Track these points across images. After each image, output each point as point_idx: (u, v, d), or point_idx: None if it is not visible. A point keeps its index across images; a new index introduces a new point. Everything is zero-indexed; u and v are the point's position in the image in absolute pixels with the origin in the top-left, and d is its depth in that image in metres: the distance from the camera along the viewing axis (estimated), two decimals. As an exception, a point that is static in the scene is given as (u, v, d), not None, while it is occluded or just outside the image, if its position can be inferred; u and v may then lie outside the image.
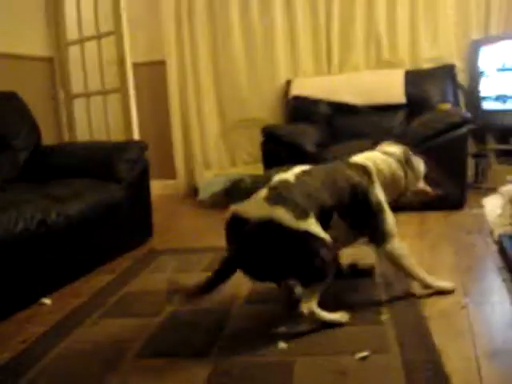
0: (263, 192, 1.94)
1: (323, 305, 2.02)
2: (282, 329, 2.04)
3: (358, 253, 2.64)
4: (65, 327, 2.26)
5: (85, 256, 2.99)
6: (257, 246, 1.91)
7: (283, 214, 1.88)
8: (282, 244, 1.89)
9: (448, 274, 2.53)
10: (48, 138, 4.24)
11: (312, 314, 1.98)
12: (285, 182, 2.00)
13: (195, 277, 2.72)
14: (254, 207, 1.93)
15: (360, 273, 2.56)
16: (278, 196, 1.93)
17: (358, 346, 1.86)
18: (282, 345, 1.92)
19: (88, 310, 2.43)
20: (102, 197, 3.12)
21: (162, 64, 5.33)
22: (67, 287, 2.81)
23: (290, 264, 1.93)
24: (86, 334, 2.17)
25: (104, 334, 2.16)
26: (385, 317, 2.08)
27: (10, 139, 3.61)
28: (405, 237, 3.16)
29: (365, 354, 1.80)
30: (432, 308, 2.16)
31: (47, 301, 2.62)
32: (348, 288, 2.42)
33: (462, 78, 4.63)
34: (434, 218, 3.66)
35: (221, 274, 1.97)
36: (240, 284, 2.51)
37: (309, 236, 1.91)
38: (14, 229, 2.47)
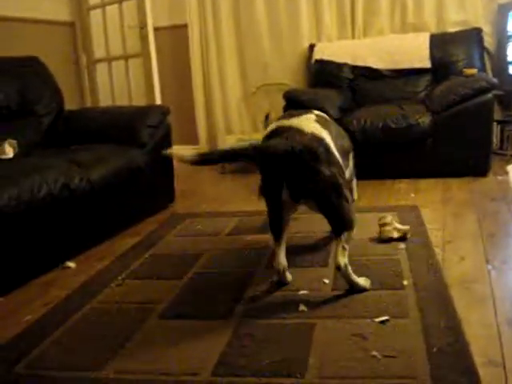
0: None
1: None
2: (304, 292, 2.06)
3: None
4: (89, 289, 2.30)
5: (108, 220, 3.04)
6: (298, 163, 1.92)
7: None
8: (320, 173, 1.92)
9: (471, 241, 2.51)
10: (70, 103, 4.25)
11: (346, 267, 1.99)
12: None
13: (221, 240, 2.78)
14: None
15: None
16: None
17: (379, 310, 1.87)
18: (303, 308, 1.94)
19: (112, 273, 2.47)
20: (124, 162, 3.14)
21: (183, 28, 5.29)
22: (91, 251, 2.85)
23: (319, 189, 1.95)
24: (110, 296, 2.21)
25: (128, 296, 2.20)
26: (406, 282, 2.09)
27: (33, 104, 3.63)
28: (428, 203, 3.16)
29: (385, 318, 1.81)
30: (454, 274, 2.16)
31: (71, 264, 2.67)
32: (369, 252, 2.43)
33: (488, 42, 4.51)
34: (457, 184, 3.62)
35: (233, 155, 2.00)
36: (263, 249, 2.53)
37: (342, 182, 1.99)
38: (37, 193, 2.50)
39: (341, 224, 2.01)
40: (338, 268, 2.00)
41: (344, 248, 1.99)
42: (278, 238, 2.14)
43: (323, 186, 1.94)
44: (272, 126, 2.11)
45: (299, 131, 1.98)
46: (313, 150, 1.92)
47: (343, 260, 1.98)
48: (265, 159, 1.97)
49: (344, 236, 2.00)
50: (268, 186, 2.03)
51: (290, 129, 2.00)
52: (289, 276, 2.18)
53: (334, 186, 1.95)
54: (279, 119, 2.17)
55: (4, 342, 1.88)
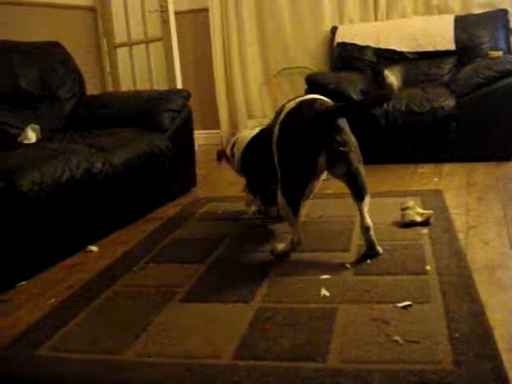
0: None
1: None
2: (325, 277, 2.06)
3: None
4: (112, 273, 2.32)
5: (130, 204, 3.06)
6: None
7: None
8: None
9: (495, 226, 2.48)
10: (92, 88, 4.28)
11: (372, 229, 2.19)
12: None
13: (242, 225, 2.79)
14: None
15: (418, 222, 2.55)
16: None
17: (401, 295, 1.86)
18: (325, 292, 1.93)
19: (135, 257, 2.49)
20: (145, 146, 3.15)
21: (204, 12, 5.27)
22: (114, 235, 2.88)
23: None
24: (133, 279, 2.23)
25: (151, 279, 2.21)
26: (429, 267, 2.07)
27: (55, 90, 3.66)
28: (451, 188, 3.13)
29: (407, 303, 1.79)
30: (477, 260, 2.14)
31: (94, 248, 2.69)
32: (392, 237, 2.41)
33: (515, 23, 4.42)
34: (481, 169, 3.57)
35: None
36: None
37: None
38: (60, 178, 2.52)
39: (363, 187, 2.17)
40: (367, 229, 2.18)
41: (367, 211, 2.18)
42: (298, 211, 2.21)
43: (354, 149, 2.12)
44: (291, 104, 2.21)
45: (324, 101, 2.17)
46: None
47: (371, 222, 2.17)
48: (311, 123, 2.08)
49: (366, 199, 2.18)
50: (304, 154, 2.10)
51: (315, 100, 2.16)
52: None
53: (358, 151, 2.16)
54: (289, 102, 2.27)
55: (28, 325, 1.91)
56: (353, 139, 2.14)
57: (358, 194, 2.17)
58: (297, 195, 2.19)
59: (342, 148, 2.08)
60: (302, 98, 2.22)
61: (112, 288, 2.15)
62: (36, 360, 1.66)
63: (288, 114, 2.19)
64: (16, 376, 1.60)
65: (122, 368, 1.57)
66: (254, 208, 2.90)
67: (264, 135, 2.50)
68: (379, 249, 2.22)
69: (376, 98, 2.20)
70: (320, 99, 2.18)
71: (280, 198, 2.22)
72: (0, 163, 2.47)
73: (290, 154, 2.14)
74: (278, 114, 2.29)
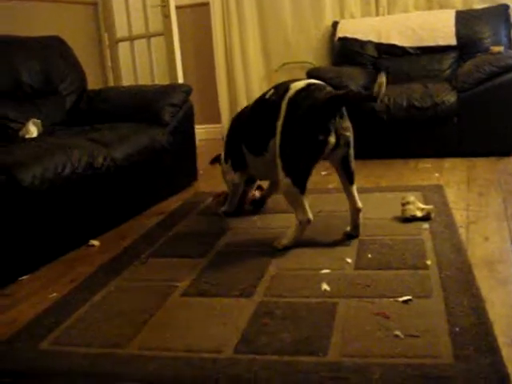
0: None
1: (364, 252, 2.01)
2: (326, 271, 2.07)
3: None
4: (114, 267, 2.33)
5: (132, 198, 3.06)
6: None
7: None
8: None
9: (495, 221, 2.49)
10: (93, 83, 4.27)
11: None
12: None
13: (243, 219, 2.79)
14: None
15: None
16: None
17: (402, 290, 1.86)
18: (325, 287, 1.94)
19: (136, 251, 2.50)
20: (147, 140, 3.15)
21: (205, 6, 5.26)
22: (115, 229, 2.88)
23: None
24: (134, 274, 2.24)
25: (152, 274, 2.22)
26: (429, 262, 2.07)
27: (57, 84, 3.65)
28: (452, 183, 3.13)
29: (408, 297, 1.80)
30: (478, 254, 2.14)
31: (96, 242, 2.70)
32: (393, 232, 2.41)
33: (516, 18, 4.40)
34: (482, 164, 3.57)
35: None
36: (285, 227, 2.53)
37: None
38: (62, 172, 2.53)
39: (354, 172, 2.34)
40: (359, 211, 2.35)
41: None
42: (304, 191, 2.26)
43: (351, 135, 2.27)
44: (299, 84, 2.28)
45: (325, 87, 2.27)
46: None
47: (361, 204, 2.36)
48: (326, 104, 2.16)
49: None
50: (317, 133, 2.16)
51: (318, 85, 2.26)
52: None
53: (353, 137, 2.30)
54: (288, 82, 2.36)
55: (30, 318, 1.92)
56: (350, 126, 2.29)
57: (350, 178, 2.34)
58: (304, 175, 2.24)
59: (346, 132, 2.22)
60: (307, 81, 2.31)
61: (114, 282, 2.16)
62: (38, 354, 1.67)
63: (298, 93, 2.23)
64: (18, 370, 1.60)
65: (124, 362, 1.58)
66: (223, 208, 2.91)
67: (259, 105, 2.50)
68: (360, 231, 2.40)
69: (362, 95, 2.46)
70: (324, 85, 2.28)
71: (285, 181, 2.25)
72: (1, 157, 2.47)
73: (302, 133, 2.19)
74: (281, 90, 2.33)
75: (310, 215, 2.30)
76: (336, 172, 2.37)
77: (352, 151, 2.30)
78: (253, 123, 2.50)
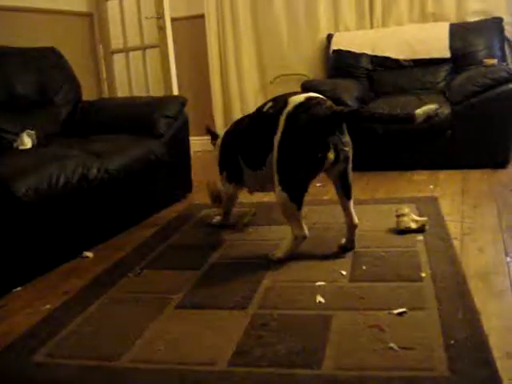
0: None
1: (359, 263, 2.01)
2: (321, 283, 2.06)
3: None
4: (108, 279, 2.32)
5: (126, 210, 3.05)
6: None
7: None
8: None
9: (490, 233, 2.49)
10: (88, 94, 4.27)
11: None
12: None
13: (238, 231, 2.79)
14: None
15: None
16: None
17: (396, 302, 1.86)
18: (320, 299, 1.94)
19: (130, 263, 2.48)
20: (141, 152, 3.15)
21: (201, 18, 5.28)
22: (109, 241, 2.87)
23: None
24: (128, 285, 2.23)
25: (146, 286, 2.21)
26: (424, 274, 2.07)
27: (51, 95, 3.66)
28: (447, 195, 3.14)
29: (402, 310, 1.80)
30: (472, 266, 2.14)
31: (89, 254, 2.69)
32: (387, 244, 2.41)
33: (509, 31, 4.43)
34: (477, 176, 3.58)
35: None
36: (279, 239, 2.53)
37: None
38: (56, 183, 2.52)
39: (351, 187, 2.32)
40: (355, 227, 2.35)
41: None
42: (301, 206, 2.25)
43: (351, 150, 2.24)
44: (298, 98, 2.23)
45: (325, 101, 2.22)
46: None
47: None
48: (327, 119, 2.14)
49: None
50: (316, 149, 2.15)
51: (318, 99, 2.22)
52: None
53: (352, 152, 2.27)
54: (288, 95, 2.31)
55: (24, 330, 1.90)
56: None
57: (348, 193, 2.32)
58: (301, 191, 2.23)
59: (345, 148, 2.20)
60: (307, 94, 2.26)
61: (107, 294, 2.15)
62: (31, 366, 1.65)
63: (297, 107, 2.19)
64: (11, 382, 1.59)
65: (118, 374, 1.57)
66: (218, 218, 2.93)
67: (257, 119, 2.46)
68: (355, 244, 2.40)
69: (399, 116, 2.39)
70: (325, 99, 2.24)
71: (281, 196, 2.23)
72: (-4, 169, 2.47)
73: (301, 149, 2.16)
74: (279, 103, 2.28)
75: (307, 232, 2.29)
76: (333, 186, 2.35)
77: (350, 166, 2.27)
78: (250, 137, 2.47)
